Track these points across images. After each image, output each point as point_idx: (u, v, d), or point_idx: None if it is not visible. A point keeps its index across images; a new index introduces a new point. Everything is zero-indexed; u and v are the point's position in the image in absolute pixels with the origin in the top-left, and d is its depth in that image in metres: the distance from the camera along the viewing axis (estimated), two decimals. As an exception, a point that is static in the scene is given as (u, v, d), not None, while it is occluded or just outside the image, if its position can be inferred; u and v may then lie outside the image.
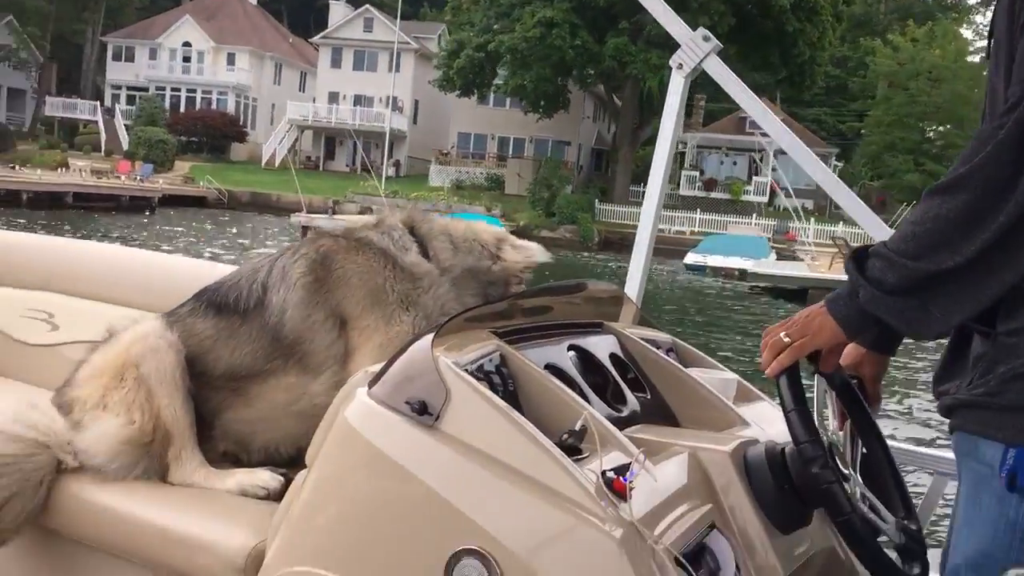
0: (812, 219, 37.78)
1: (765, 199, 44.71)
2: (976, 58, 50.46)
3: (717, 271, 29.56)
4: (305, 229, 23.87)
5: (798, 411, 1.58)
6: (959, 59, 48.20)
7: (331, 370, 2.08)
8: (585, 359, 2.02)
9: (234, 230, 32.13)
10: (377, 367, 1.65)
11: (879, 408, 1.88)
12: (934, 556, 1.69)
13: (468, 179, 46.89)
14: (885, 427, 2.11)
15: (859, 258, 1.49)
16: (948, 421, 1.53)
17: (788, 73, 42.17)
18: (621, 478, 1.44)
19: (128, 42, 55.20)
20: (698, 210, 42.00)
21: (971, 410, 1.47)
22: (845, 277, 1.52)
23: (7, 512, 2.04)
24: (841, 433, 1.80)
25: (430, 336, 1.62)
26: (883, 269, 1.44)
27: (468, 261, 2.17)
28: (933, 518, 2.48)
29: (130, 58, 54.76)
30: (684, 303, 22.28)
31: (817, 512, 1.77)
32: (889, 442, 1.86)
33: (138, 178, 41.10)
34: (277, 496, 1.98)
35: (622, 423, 1.83)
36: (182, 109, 52.49)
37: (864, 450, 1.80)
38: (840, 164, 48.76)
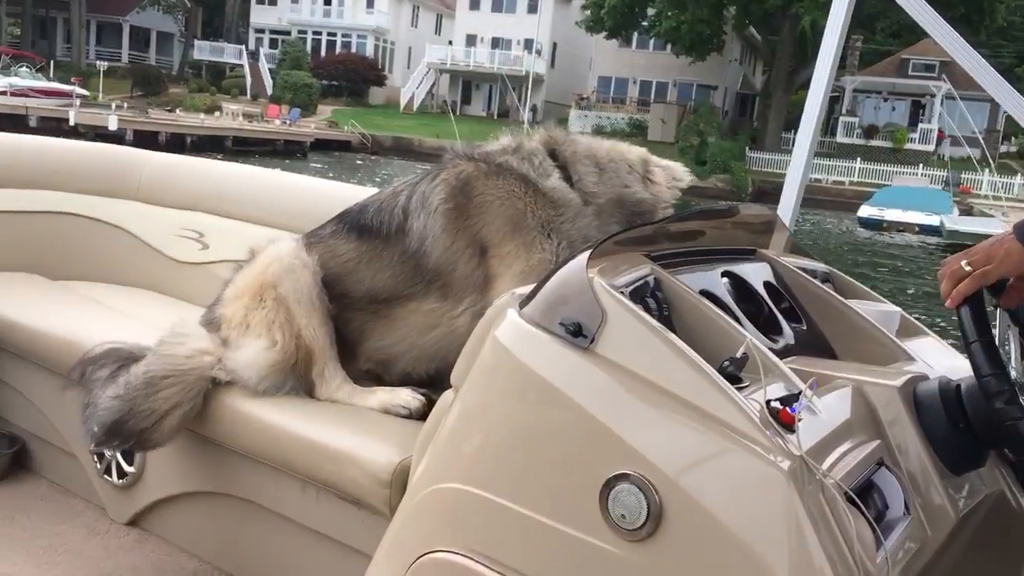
0: (987, 170, 34.99)
1: (931, 147, 41.86)
2: None
3: (895, 226, 27.84)
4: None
5: (982, 342, 1.51)
6: None
7: (471, 297, 2.08)
8: (739, 286, 1.94)
9: (386, 172, 32.18)
10: (526, 288, 1.60)
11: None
12: None
13: (609, 124, 45.55)
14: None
15: None
16: None
17: (965, 10, 38.45)
18: (788, 409, 1.36)
19: (271, -15, 55.83)
20: (857, 159, 39.50)
21: None
22: None
23: (169, 420, 2.19)
24: None
25: (584, 256, 1.58)
26: None
27: (615, 188, 2.13)
28: None
29: (273, 1, 55.24)
30: (876, 264, 20.94)
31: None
32: None
33: (287, 122, 41.57)
34: (419, 415, 2.07)
35: (777, 354, 1.70)
36: (322, 53, 52.68)
37: None
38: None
